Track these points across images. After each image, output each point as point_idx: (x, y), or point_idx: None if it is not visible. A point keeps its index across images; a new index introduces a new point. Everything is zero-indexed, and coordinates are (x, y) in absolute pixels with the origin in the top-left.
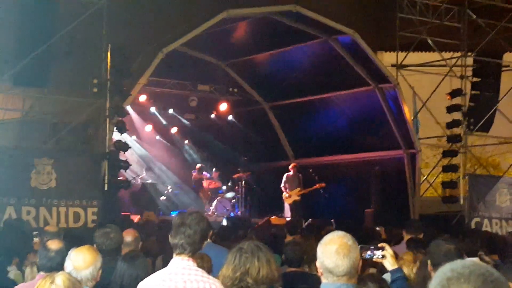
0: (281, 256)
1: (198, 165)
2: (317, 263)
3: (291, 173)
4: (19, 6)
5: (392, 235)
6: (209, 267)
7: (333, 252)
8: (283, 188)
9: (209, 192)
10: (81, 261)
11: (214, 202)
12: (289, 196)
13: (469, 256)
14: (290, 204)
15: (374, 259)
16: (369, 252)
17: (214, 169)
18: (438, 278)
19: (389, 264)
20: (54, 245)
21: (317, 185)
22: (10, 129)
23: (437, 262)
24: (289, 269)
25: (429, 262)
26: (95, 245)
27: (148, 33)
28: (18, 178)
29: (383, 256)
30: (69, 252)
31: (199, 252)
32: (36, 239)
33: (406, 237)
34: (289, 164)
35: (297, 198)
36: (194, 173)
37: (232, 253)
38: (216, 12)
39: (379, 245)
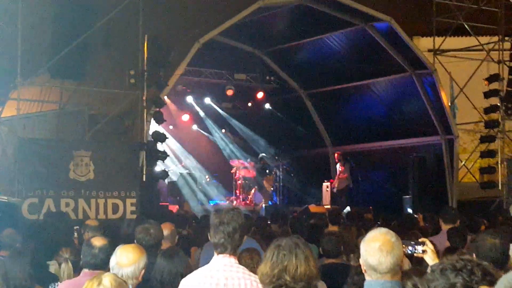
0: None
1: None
2: (361, 261)
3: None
4: None
5: (431, 222)
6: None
7: (376, 249)
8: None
9: (242, 181)
10: (125, 258)
11: (252, 191)
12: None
13: None
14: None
15: (415, 254)
16: (410, 248)
17: (248, 159)
18: (501, 285)
19: (430, 259)
20: (98, 242)
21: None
22: (48, 121)
23: (482, 256)
24: (328, 260)
25: (474, 255)
26: (135, 241)
27: (184, 23)
28: (57, 170)
29: (424, 251)
30: (116, 248)
31: (249, 249)
32: (75, 234)
33: (445, 227)
34: (327, 152)
35: (342, 186)
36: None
37: (270, 250)
38: (251, 2)
39: (420, 240)
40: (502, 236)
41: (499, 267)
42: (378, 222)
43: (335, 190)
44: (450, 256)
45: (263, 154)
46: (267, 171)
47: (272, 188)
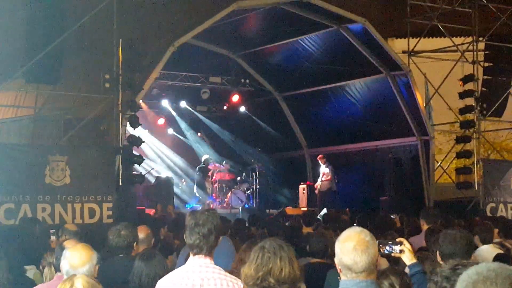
0: (298, 248)
1: (206, 156)
2: (336, 260)
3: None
4: (29, 3)
5: (407, 223)
6: None
7: (351, 248)
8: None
9: (218, 184)
10: (77, 259)
11: (229, 194)
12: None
13: (484, 243)
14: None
15: (392, 254)
16: (387, 247)
17: (224, 161)
18: (464, 282)
19: (408, 259)
20: (70, 245)
21: None
22: (23, 126)
23: (445, 252)
24: (314, 260)
25: (437, 253)
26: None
27: (159, 26)
28: (32, 175)
29: (401, 251)
30: (63, 252)
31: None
32: (52, 237)
33: (425, 227)
34: (303, 154)
35: (325, 189)
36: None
37: (254, 252)
38: (226, 4)
39: (397, 239)
40: (462, 230)
41: (466, 257)
42: (355, 224)
43: (316, 191)
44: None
45: (207, 156)
46: (209, 173)
47: (210, 191)
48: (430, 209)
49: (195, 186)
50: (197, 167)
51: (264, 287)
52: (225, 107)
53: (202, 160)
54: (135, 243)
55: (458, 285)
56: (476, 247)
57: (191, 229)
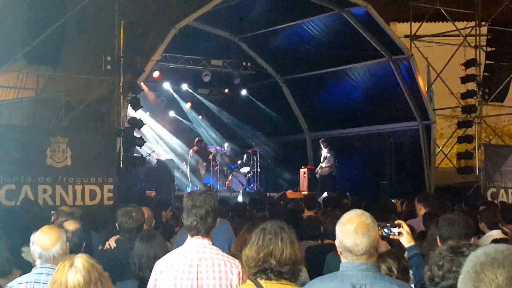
0: (298, 231)
1: (197, 138)
2: (336, 243)
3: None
4: None
5: (406, 207)
6: None
7: (352, 231)
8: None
9: (219, 167)
10: (47, 240)
11: (230, 177)
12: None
13: (491, 230)
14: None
15: (391, 237)
16: (385, 230)
17: (226, 144)
18: (471, 263)
19: (406, 241)
20: (70, 226)
21: None
22: (24, 108)
23: (444, 235)
24: (309, 242)
25: (437, 237)
26: (116, 224)
27: (160, 9)
28: (34, 156)
29: (399, 233)
30: (31, 237)
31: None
32: (53, 218)
33: (422, 211)
34: (304, 138)
35: (326, 173)
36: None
37: (255, 234)
38: None
39: (396, 222)
40: (461, 213)
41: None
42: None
43: (317, 176)
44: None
45: (199, 138)
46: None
47: (204, 173)
48: (428, 193)
49: (188, 171)
50: (190, 150)
51: (266, 268)
52: (226, 90)
53: (195, 142)
54: (144, 224)
55: (465, 266)
56: (479, 231)
57: (188, 211)
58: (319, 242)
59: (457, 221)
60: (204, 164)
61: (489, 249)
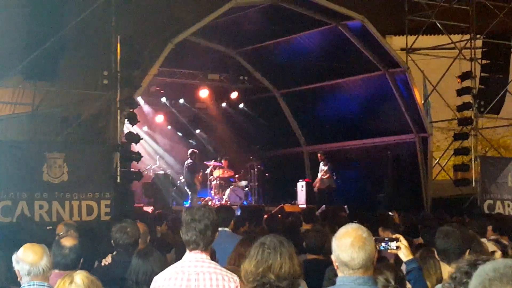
0: (296, 244)
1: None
2: (332, 257)
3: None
4: (28, 0)
5: (404, 220)
6: None
7: (348, 245)
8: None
9: (217, 181)
10: (32, 254)
11: (227, 191)
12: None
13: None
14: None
15: (389, 251)
16: (383, 244)
17: (222, 159)
18: (479, 278)
19: (404, 255)
20: (68, 242)
21: None
22: (21, 123)
23: (440, 248)
24: (310, 256)
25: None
26: (112, 241)
27: (157, 23)
28: (30, 172)
29: (397, 247)
30: (13, 258)
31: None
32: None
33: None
34: (301, 151)
35: (324, 186)
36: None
37: (254, 248)
38: (224, 2)
39: (394, 236)
40: (456, 225)
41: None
42: (355, 221)
43: (315, 189)
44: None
45: (193, 150)
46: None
47: (199, 186)
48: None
49: (185, 184)
50: (185, 163)
51: (264, 283)
52: (223, 104)
53: (189, 154)
54: (139, 240)
55: (473, 281)
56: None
57: (187, 225)
58: (321, 256)
59: (451, 234)
60: (199, 177)
61: (498, 264)
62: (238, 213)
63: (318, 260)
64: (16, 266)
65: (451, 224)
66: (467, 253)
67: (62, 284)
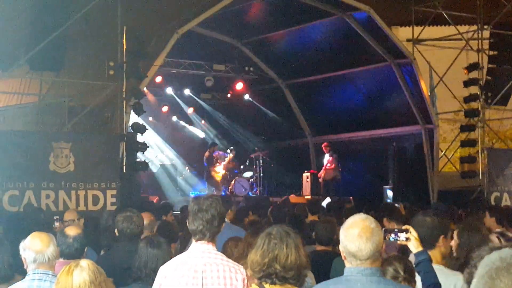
0: (302, 235)
1: (210, 142)
2: (340, 247)
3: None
4: None
5: (412, 212)
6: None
7: (356, 235)
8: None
9: (227, 172)
10: (40, 243)
11: (232, 182)
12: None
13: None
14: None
15: (398, 242)
16: (393, 235)
17: (228, 149)
18: (486, 267)
19: (414, 246)
20: (72, 231)
21: None
22: (27, 114)
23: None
24: (319, 247)
25: None
26: (116, 230)
27: (163, 14)
28: (37, 162)
29: (407, 239)
30: (21, 245)
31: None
32: (56, 224)
33: None
34: (307, 142)
35: (329, 177)
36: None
37: (261, 238)
38: None
39: (404, 227)
40: (436, 214)
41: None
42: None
43: (321, 180)
44: None
45: (215, 141)
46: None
47: (219, 179)
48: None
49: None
50: (204, 157)
51: (270, 273)
52: (229, 95)
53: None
54: (145, 230)
55: (479, 270)
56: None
57: (194, 215)
58: (331, 248)
59: (423, 222)
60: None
61: (505, 253)
62: (243, 204)
63: (327, 252)
64: (23, 254)
65: (425, 212)
66: (441, 238)
67: (67, 269)
